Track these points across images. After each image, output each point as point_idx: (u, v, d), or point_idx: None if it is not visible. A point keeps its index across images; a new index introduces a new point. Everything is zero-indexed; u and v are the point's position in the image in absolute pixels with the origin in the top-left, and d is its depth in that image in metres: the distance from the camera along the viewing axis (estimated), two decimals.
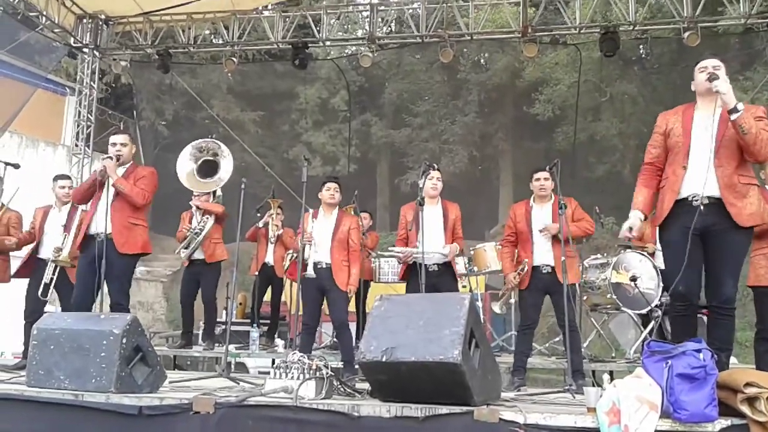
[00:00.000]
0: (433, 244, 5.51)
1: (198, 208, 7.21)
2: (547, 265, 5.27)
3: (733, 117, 3.57)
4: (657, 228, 4.01)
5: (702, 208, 3.62)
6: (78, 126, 9.97)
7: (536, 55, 10.01)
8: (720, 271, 3.71)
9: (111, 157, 5.11)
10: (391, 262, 7.83)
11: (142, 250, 5.22)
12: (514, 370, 5.39)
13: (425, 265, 5.28)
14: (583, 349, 6.87)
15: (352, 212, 7.09)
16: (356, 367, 5.54)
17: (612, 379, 3.67)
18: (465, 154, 20.22)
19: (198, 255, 7.20)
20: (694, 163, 3.70)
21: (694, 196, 3.66)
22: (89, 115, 9.94)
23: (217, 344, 7.52)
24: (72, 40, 9.63)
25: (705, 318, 5.51)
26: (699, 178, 3.64)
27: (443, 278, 5.60)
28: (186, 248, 7.15)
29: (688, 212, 3.66)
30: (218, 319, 8.11)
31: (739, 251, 3.76)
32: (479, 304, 7.64)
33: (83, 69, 9.99)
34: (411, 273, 5.63)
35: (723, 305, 3.71)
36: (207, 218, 7.17)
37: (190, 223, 7.24)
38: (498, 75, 19.77)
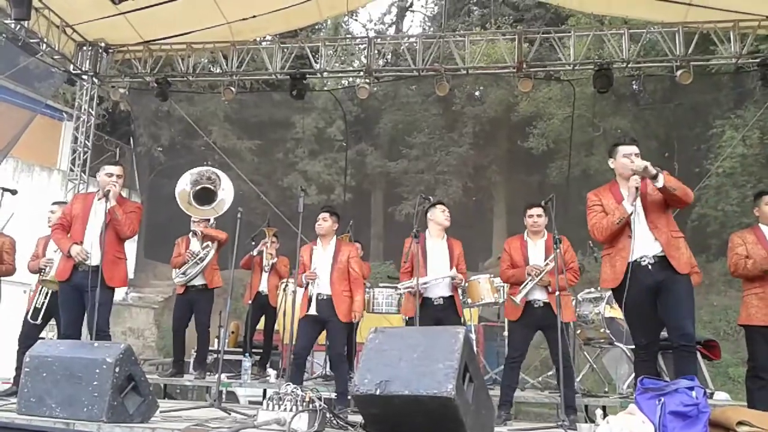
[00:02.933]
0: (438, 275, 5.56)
1: (200, 233, 7.20)
2: (539, 300, 5.28)
3: (659, 183, 4.13)
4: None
5: (650, 267, 4.16)
6: (74, 152, 9.98)
7: (531, 90, 10.13)
8: (679, 315, 4.08)
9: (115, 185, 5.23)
10: (386, 293, 7.83)
11: (125, 284, 5.47)
12: (500, 405, 5.35)
13: (431, 298, 5.34)
14: (576, 384, 6.89)
15: (348, 241, 7.11)
16: (349, 398, 5.53)
17: (605, 414, 3.67)
18: (459, 185, 20.32)
19: (198, 281, 7.18)
20: (636, 230, 4.20)
21: (643, 257, 4.18)
22: (86, 141, 9.96)
23: (208, 373, 7.47)
24: (71, 66, 9.69)
25: (699, 354, 5.57)
26: (644, 242, 4.20)
27: (447, 312, 5.60)
28: (184, 274, 7.12)
29: (639, 272, 4.16)
30: (210, 348, 8.07)
31: (689, 294, 4.20)
32: (473, 336, 7.63)
33: (82, 95, 10.02)
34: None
35: (688, 343, 4.06)
36: (210, 245, 7.17)
37: (187, 249, 7.22)
38: (493, 108, 19.98)
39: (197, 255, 7.10)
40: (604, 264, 4.46)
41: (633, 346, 6.62)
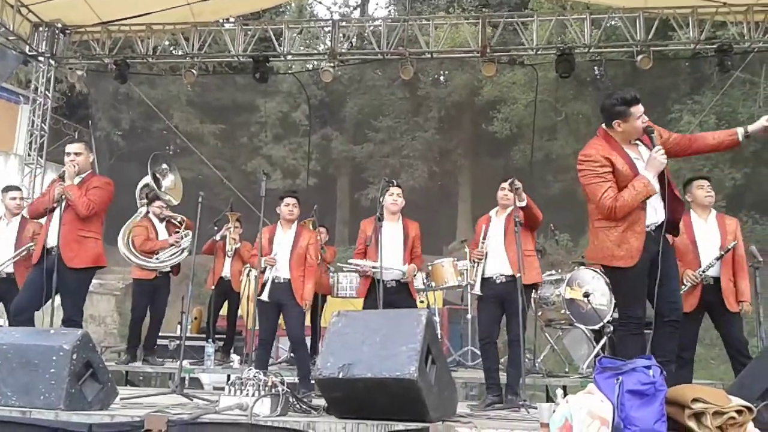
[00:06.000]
0: (392, 261, 5.56)
1: (170, 221, 7.16)
2: (501, 275, 5.22)
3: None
4: (608, 267, 3.97)
5: (653, 234, 3.76)
6: (31, 135, 9.72)
7: (494, 75, 10.18)
8: (673, 287, 3.87)
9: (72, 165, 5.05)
10: (350, 277, 7.82)
11: (93, 264, 5.09)
12: (487, 387, 5.30)
13: (383, 281, 5.32)
14: (537, 364, 7.00)
15: (311, 226, 7.08)
16: (312, 382, 5.53)
17: (565, 393, 3.73)
18: (425, 170, 20.40)
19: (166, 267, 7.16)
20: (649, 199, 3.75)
21: (648, 225, 3.76)
22: (43, 125, 9.70)
23: (159, 358, 7.42)
24: (27, 48, 9.41)
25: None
26: (654, 210, 3.78)
27: (401, 295, 5.61)
28: (159, 260, 7.03)
29: (648, 240, 3.75)
30: (172, 334, 8.00)
31: (678, 268, 4.02)
32: (437, 319, 7.67)
33: (38, 78, 9.74)
34: (369, 289, 5.63)
35: (680, 318, 3.85)
36: (180, 232, 7.12)
37: (156, 234, 7.13)
38: (457, 92, 20.07)
39: (179, 243, 7.05)
40: (602, 238, 3.82)
41: (594, 327, 6.84)
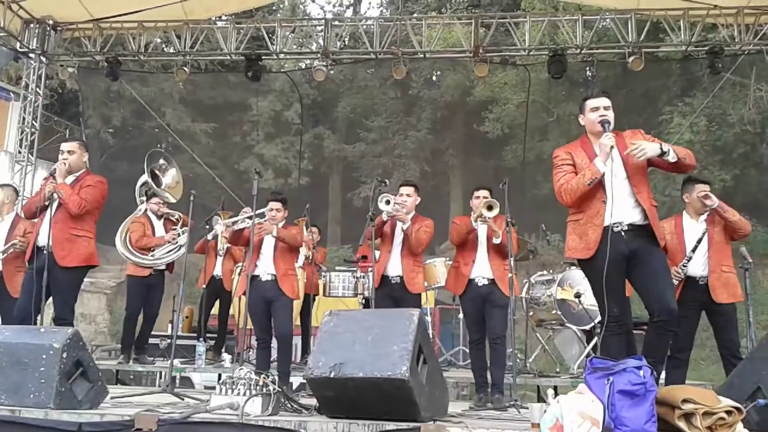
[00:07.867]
0: (392, 257, 5.62)
1: (168, 218, 7.11)
2: (483, 277, 5.29)
3: (671, 158, 3.76)
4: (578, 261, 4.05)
5: (623, 234, 3.80)
6: (22, 132, 9.66)
7: (487, 75, 10.21)
8: (660, 286, 3.82)
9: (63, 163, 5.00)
10: (342, 276, 7.82)
11: (85, 263, 5.06)
12: (477, 388, 5.40)
13: (389, 276, 5.46)
14: (528, 364, 7.02)
15: (304, 225, 7.07)
16: (290, 381, 5.66)
17: (556, 394, 3.74)
18: (417, 169, 20.38)
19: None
20: (614, 194, 3.76)
21: (616, 224, 3.79)
22: (34, 122, 9.64)
23: (150, 357, 7.38)
24: (18, 44, 9.36)
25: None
26: (622, 208, 3.79)
27: (403, 291, 5.58)
28: (153, 257, 6.93)
29: (614, 239, 3.77)
30: (163, 333, 7.97)
31: (666, 267, 3.98)
32: (428, 319, 7.69)
33: (29, 75, 9.69)
34: (381, 284, 5.59)
35: (670, 318, 3.79)
36: (178, 230, 7.05)
37: (152, 230, 7.08)
38: (449, 92, 20.05)
39: (175, 241, 6.97)
40: (569, 231, 3.99)
41: (585, 328, 6.87)
